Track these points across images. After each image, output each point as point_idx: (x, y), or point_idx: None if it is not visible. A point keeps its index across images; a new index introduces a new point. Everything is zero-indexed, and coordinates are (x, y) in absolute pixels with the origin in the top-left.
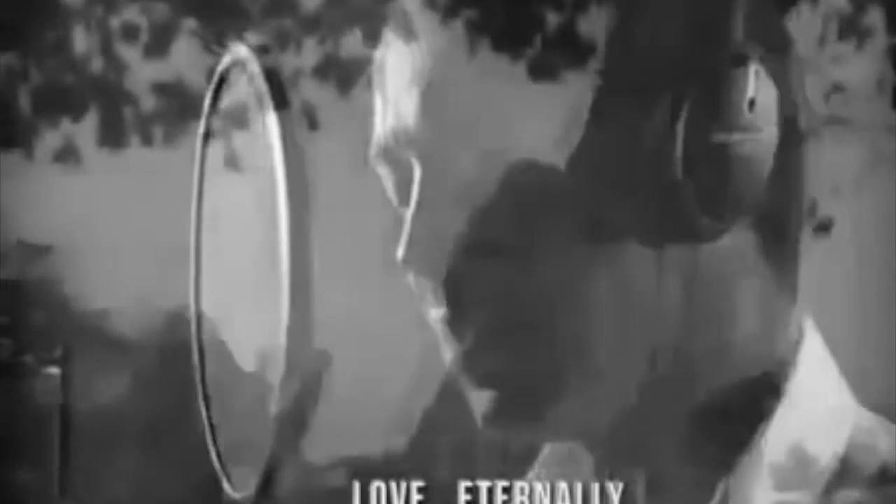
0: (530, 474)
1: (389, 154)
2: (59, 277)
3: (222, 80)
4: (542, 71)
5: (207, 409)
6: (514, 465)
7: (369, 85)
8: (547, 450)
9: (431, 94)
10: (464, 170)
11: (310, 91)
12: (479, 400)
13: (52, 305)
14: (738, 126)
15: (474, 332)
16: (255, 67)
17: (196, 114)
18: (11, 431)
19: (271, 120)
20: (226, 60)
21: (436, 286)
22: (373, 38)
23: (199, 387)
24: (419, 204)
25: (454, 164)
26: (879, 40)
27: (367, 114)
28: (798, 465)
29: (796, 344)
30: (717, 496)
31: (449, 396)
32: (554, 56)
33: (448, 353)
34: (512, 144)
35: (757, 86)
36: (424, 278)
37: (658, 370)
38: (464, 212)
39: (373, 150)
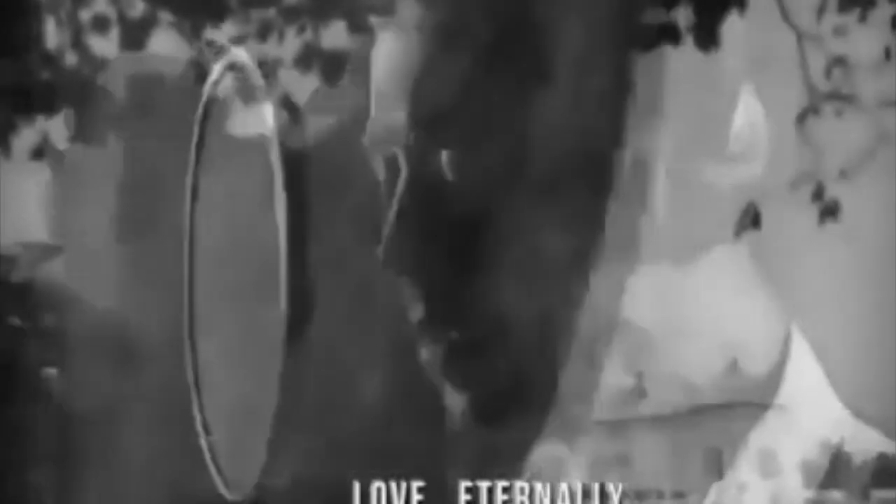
0: (526, 475)
1: (379, 149)
2: (53, 277)
3: (213, 79)
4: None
5: (201, 409)
6: (505, 464)
7: (362, 77)
8: (535, 450)
9: (418, 90)
10: (446, 171)
11: (293, 82)
12: (457, 400)
13: (52, 306)
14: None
15: (452, 333)
16: (244, 59)
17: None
18: (11, 431)
19: (265, 111)
20: (220, 60)
21: (414, 287)
22: (358, 28)
23: (194, 385)
24: (401, 204)
25: (438, 164)
26: (884, 10)
27: (355, 106)
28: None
29: (783, 348)
30: (710, 498)
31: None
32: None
33: (426, 353)
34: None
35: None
36: (404, 279)
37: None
38: (446, 213)
39: (366, 143)
